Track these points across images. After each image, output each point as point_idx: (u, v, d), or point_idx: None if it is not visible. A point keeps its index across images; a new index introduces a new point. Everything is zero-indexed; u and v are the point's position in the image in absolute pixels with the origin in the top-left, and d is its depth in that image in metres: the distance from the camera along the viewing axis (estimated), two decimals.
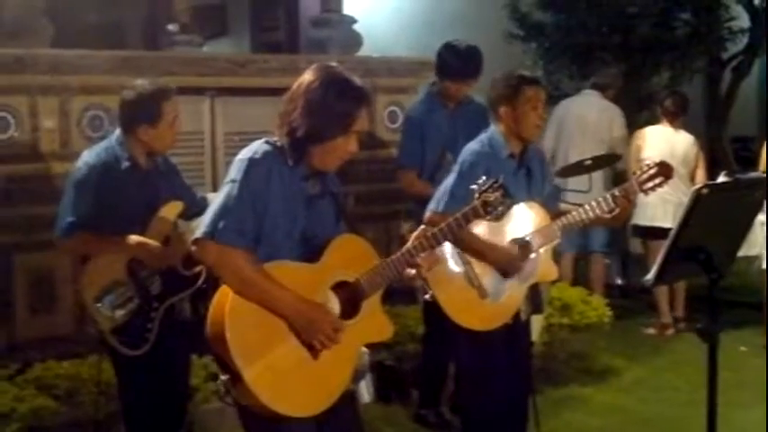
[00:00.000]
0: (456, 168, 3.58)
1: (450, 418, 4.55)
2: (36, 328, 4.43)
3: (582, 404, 4.95)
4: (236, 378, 2.48)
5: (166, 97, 3.39)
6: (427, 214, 3.52)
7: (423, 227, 2.74)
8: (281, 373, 2.50)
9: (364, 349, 2.69)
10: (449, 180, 3.57)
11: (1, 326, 4.36)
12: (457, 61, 4.46)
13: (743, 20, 8.88)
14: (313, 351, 2.55)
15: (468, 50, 4.47)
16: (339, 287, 2.62)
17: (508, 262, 3.45)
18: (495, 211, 2.68)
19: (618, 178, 6.08)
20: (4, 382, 3.92)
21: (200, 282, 3.48)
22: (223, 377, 2.54)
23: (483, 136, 3.64)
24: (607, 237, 6.45)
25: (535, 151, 3.71)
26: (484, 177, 2.73)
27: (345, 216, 2.74)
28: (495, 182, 2.69)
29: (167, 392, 3.48)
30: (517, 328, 3.55)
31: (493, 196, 2.66)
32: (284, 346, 2.52)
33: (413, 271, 2.68)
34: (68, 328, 4.43)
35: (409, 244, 2.68)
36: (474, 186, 2.71)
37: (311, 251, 2.60)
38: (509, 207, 2.74)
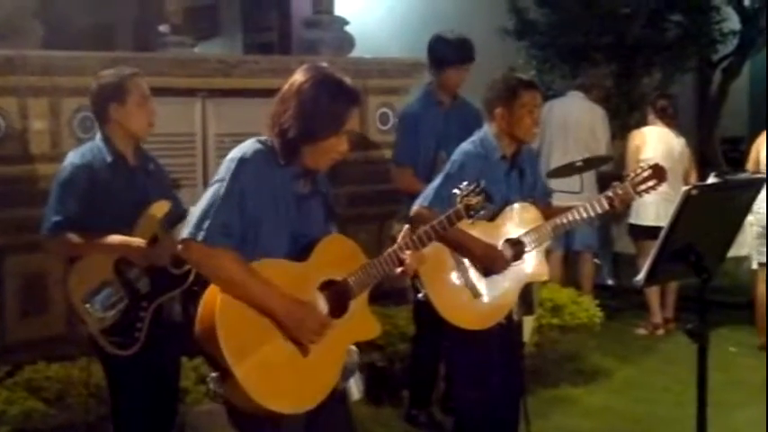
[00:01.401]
0: (446, 168, 3.60)
1: (441, 418, 4.56)
2: (27, 331, 4.41)
3: (572, 405, 4.96)
4: (226, 375, 2.49)
5: (129, 77, 3.46)
6: (414, 208, 3.55)
7: (407, 226, 2.78)
8: (272, 370, 2.51)
9: (353, 347, 2.71)
10: (437, 179, 3.59)
11: None
12: (452, 48, 4.52)
13: (733, 22, 8.93)
14: (302, 348, 2.56)
15: (458, 37, 4.56)
16: (327, 286, 2.64)
17: (492, 259, 3.44)
18: (477, 214, 2.75)
19: (603, 180, 6.10)
20: None
21: (189, 281, 3.48)
22: (213, 374, 2.55)
23: (476, 137, 3.65)
24: (591, 235, 6.45)
25: (527, 150, 3.72)
26: (465, 182, 2.79)
27: (334, 217, 2.76)
28: (477, 186, 2.75)
29: (158, 394, 3.47)
30: (509, 329, 3.56)
31: (475, 200, 2.73)
32: (274, 343, 2.54)
33: (399, 270, 2.71)
34: (59, 330, 4.41)
35: (396, 244, 2.71)
36: (456, 191, 2.78)
37: (300, 251, 2.61)
38: (491, 211, 2.83)
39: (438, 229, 2.76)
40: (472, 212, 2.74)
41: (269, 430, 2.56)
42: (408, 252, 2.69)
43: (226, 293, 2.49)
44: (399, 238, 2.72)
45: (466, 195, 2.74)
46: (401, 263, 2.69)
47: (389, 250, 2.70)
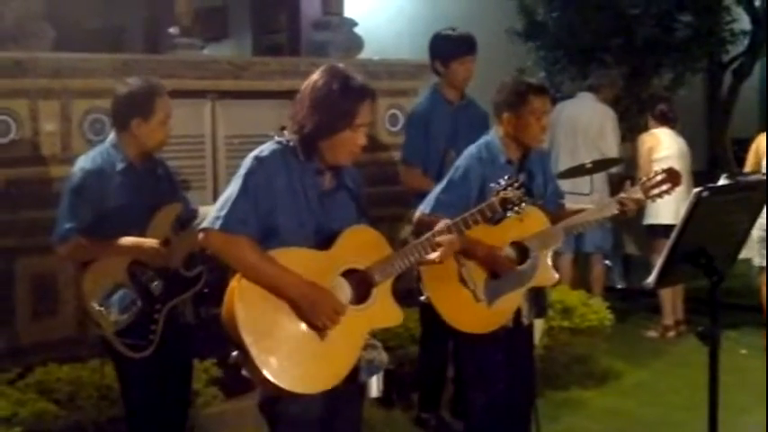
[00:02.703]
0: (449, 173, 3.59)
1: (451, 421, 4.55)
2: (38, 332, 4.42)
3: (582, 407, 4.95)
4: (245, 355, 2.59)
5: (159, 93, 3.42)
6: (417, 214, 3.54)
7: (445, 220, 2.88)
8: (287, 351, 2.61)
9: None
10: (439, 185, 3.59)
11: (2, 330, 4.35)
12: (453, 41, 4.55)
13: (744, 22, 8.89)
14: (320, 332, 2.65)
15: (458, 31, 4.59)
16: (350, 274, 2.72)
17: (494, 260, 3.41)
18: (514, 208, 2.86)
19: (613, 181, 6.08)
20: (5, 386, 3.91)
21: (201, 283, 3.49)
22: (234, 353, 2.65)
23: (482, 141, 3.63)
24: (601, 237, 6.43)
25: (537, 152, 3.69)
26: (506, 177, 2.92)
27: (363, 212, 2.85)
28: (516, 180, 2.88)
29: (169, 396, 3.48)
30: (519, 331, 3.54)
31: (512, 193, 2.86)
32: (291, 326, 2.64)
33: (434, 255, 2.80)
34: (70, 332, 4.43)
35: (435, 230, 2.83)
36: (493, 185, 2.88)
37: (326, 243, 2.71)
38: (529, 206, 2.95)
39: (469, 222, 2.88)
40: (509, 206, 2.85)
41: (287, 409, 2.67)
42: (442, 238, 2.80)
43: (245, 278, 2.62)
44: (437, 227, 2.83)
45: (503, 189, 2.84)
46: (436, 247, 2.80)
47: (423, 237, 2.81)
